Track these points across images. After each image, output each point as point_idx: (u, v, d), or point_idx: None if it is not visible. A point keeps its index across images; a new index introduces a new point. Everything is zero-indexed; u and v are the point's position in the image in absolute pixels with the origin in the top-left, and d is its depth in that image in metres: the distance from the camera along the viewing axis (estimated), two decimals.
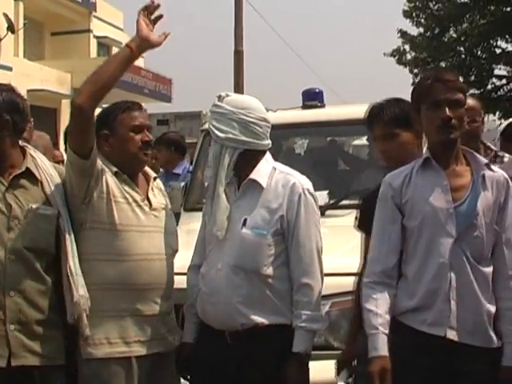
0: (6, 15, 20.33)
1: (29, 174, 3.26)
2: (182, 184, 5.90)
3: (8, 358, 3.11)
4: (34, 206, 3.21)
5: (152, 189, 3.55)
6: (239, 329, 3.27)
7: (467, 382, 3.00)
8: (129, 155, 3.46)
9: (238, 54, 19.44)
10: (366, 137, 7.26)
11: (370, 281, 3.13)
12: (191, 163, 6.88)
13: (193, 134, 22.54)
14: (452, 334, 3.00)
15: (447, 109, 3.02)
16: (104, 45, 28.14)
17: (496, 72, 26.82)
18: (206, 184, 3.46)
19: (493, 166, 3.17)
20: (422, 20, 26.52)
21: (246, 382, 3.29)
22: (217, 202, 3.34)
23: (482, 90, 25.64)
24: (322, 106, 6.14)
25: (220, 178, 3.34)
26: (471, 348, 2.99)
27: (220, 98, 3.38)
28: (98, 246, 3.34)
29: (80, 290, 3.19)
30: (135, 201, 3.42)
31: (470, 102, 4.04)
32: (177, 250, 3.55)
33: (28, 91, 20.42)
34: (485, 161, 3.17)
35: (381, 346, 3.01)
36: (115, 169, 3.42)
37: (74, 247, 3.25)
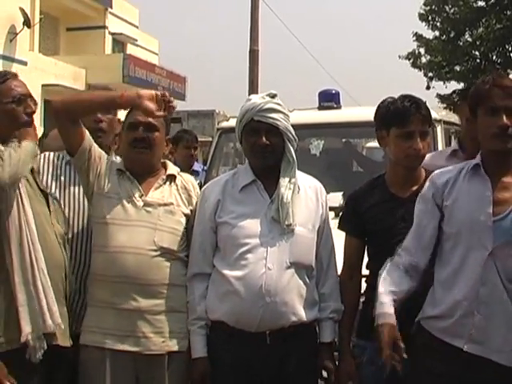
0: (22, 10, 20.36)
1: None
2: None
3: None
4: None
5: (160, 187, 3.54)
6: (285, 327, 3.27)
7: None
8: (125, 152, 3.60)
9: (254, 54, 19.41)
10: None
11: (398, 262, 3.13)
12: (204, 162, 6.88)
13: (206, 133, 22.54)
14: (472, 348, 2.92)
15: (505, 116, 2.93)
16: (119, 41, 28.15)
17: (511, 77, 26.69)
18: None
19: None
20: (438, 23, 26.40)
21: (289, 379, 3.31)
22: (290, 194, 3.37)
23: None
24: (339, 107, 6.13)
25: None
26: (495, 365, 2.90)
27: (275, 96, 3.42)
28: (94, 238, 3.51)
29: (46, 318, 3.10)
30: (129, 196, 3.46)
31: None
32: (166, 248, 3.43)
33: (42, 86, 20.50)
34: None
35: (388, 314, 3.00)
36: (119, 167, 3.53)
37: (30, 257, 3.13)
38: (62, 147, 3.68)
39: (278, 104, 3.39)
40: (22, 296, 3.03)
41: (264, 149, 3.36)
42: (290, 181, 3.36)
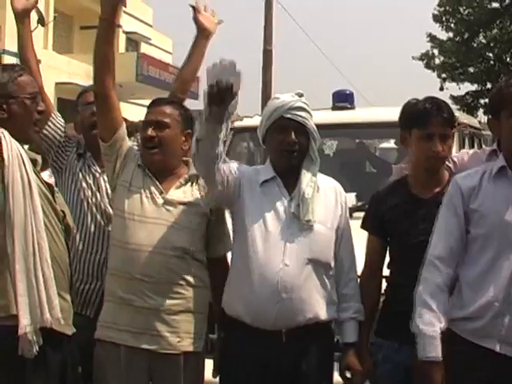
0: (36, 8, 20.42)
1: None
2: None
3: None
4: None
5: (181, 186, 3.53)
6: (300, 325, 3.26)
7: None
8: (141, 152, 3.57)
9: (267, 53, 19.44)
10: (393, 140, 7.25)
11: (434, 261, 3.04)
12: None
13: None
14: (504, 349, 2.90)
15: None
16: (132, 40, 28.21)
17: None
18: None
19: None
20: (452, 25, 26.40)
21: (304, 379, 3.31)
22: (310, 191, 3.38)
23: None
24: (352, 107, 6.11)
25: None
26: None
27: (302, 95, 3.43)
28: (113, 231, 3.53)
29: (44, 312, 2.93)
30: (150, 192, 3.45)
31: None
32: (184, 248, 3.41)
33: (56, 84, 20.58)
34: None
35: (439, 350, 2.95)
36: (139, 162, 3.52)
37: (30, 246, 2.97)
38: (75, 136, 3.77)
39: (306, 103, 3.41)
40: (22, 285, 2.86)
41: (292, 146, 3.36)
42: (311, 179, 3.37)
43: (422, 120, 3.36)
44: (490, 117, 3.17)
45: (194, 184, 3.55)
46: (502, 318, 2.91)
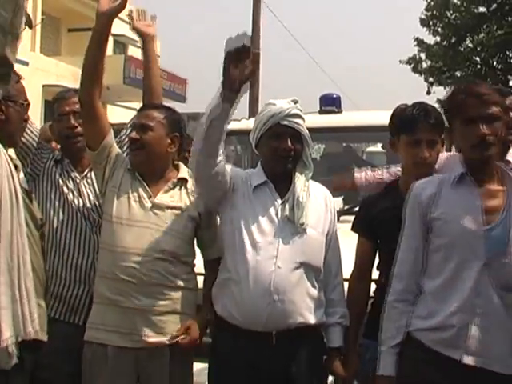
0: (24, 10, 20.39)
1: None
2: None
3: None
4: None
5: (170, 190, 3.55)
6: (291, 328, 3.27)
7: None
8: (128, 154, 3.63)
9: (255, 56, 19.43)
10: (380, 144, 7.27)
11: (393, 299, 3.07)
12: None
13: None
14: (469, 360, 2.86)
15: (482, 126, 2.89)
16: (120, 43, 28.13)
17: (511, 83, 26.74)
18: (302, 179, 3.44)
19: None
20: (439, 29, 26.45)
21: (294, 380, 3.32)
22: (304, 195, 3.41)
23: None
24: (340, 111, 6.13)
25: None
26: (496, 375, 2.85)
27: (297, 102, 3.46)
28: (102, 235, 3.56)
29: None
30: (138, 196, 3.49)
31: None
32: (171, 251, 3.44)
33: (43, 86, 20.54)
34: None
35: (391, 366, 3.00)
36: (129, 166, 3.56)
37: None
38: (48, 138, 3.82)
39: (300, 110, 3.45)
40: (6, 298, 2.83)
41: (288, 153, 3.39)
42: (304, 183, 3.41)
43: (410, 126, 3.38)
44: (447, 127, 3.15)
45: (183, 188, 3.58)
46: (468, 329, 2.86)
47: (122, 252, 3.41)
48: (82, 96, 3.50)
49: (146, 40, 4.01)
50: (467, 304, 2.87)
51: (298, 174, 3.43)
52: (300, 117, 3.42)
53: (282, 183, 3.42)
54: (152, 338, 3.40)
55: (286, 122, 3.37)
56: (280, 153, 3.38)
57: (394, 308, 3.05)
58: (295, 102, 3.44)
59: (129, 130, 3.82)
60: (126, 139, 3.78)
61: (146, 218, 3.46)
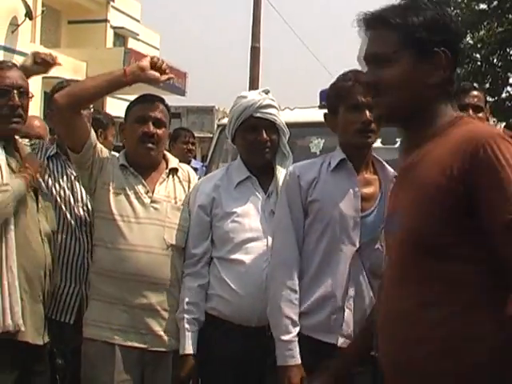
0: (24, 1, 20.35)
1: None
2: None
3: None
4: None
5: (164, 181, 3.55)
6: None
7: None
8: (131, 146, 3.55)
9: (255, 51, 19.42)
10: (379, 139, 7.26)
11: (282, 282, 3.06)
12: (203, 158, 6.86)
13: (205, 129, 22.50)
14: (342, 342, 2.94)
15: (367, 112, 2.98)
16: (120, 35, 28.13)
17: (511, 81, 26.72)
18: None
19: None
20: None
21: None
22: None
23: (496, 99, 25.54)
24: None
25: None
26: None
27: (269, 92, 3.46)
28: (99, 232, 3.49)
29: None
30: (136, 192, 3.45)
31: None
32: (176, 245, 3.46)
33: (43, 78, 20.43)
34: (393, 173, 3.07)
35: (298, 354, 3.00)
36: (122, 162, 3.50)
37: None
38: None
39: (273, 100, 3.44)
40: None
41: (264, 145, 3.38)
42: (285, 175, 3.37)
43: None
44: (326, 112, 3.19)
45: (175, 177, 3.59)
46: (342, 313, 2.93)
47: (128, 249, 3.38)
48: (61, 101, 3.35)
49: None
50: (341, 288, 2.94)
51: (278, 167, 3.43)
52: (273, 106, 3.41)
53: (264, 176, 3.43)
54: (158, 336, 3.41)
55: (258, 114, 3.37)
56: (256, 145, 3.39)
57: (288, 289, 3.05)
58: (266, 92, 3.45)
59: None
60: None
61: (147, 214, 3.44)
